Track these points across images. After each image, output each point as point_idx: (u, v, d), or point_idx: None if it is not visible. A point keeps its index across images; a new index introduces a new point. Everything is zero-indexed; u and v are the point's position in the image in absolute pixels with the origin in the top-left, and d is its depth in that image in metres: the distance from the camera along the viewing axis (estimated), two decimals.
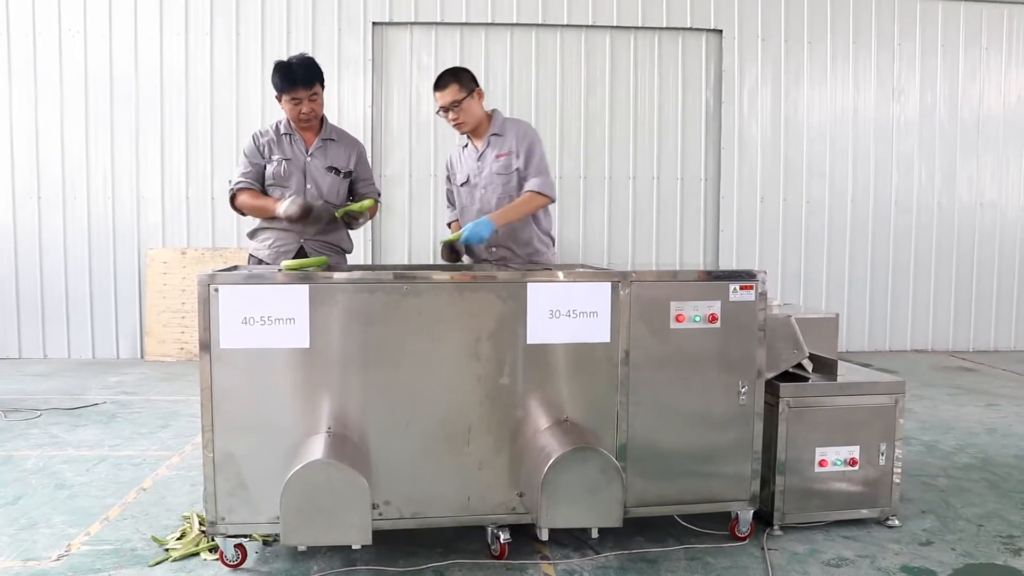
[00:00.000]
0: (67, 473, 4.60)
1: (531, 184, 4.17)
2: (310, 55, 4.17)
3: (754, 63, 8.89)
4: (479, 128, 4.29)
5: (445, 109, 4.20)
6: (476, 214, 4.23)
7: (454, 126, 4.27)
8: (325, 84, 4.23)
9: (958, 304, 9.29)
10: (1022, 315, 9.39)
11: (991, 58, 9.18)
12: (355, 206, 4.11)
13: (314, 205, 4.04)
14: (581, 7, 8.65)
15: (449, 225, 4.60)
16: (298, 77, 4.04)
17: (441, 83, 4.19)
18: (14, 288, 8.43)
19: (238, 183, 4.15)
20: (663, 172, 8.93)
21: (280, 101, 4.13)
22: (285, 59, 4.12)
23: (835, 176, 9.07)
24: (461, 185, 4.37)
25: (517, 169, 4.22)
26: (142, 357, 8.45)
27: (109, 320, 8.50)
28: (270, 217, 4.14)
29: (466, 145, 4.38)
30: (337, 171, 4.25)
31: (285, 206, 3.96)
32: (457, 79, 4.19)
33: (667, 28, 8.79)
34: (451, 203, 4.57)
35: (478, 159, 4.28)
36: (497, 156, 4.23)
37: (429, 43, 8.65)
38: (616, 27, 8.73)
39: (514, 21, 8.61)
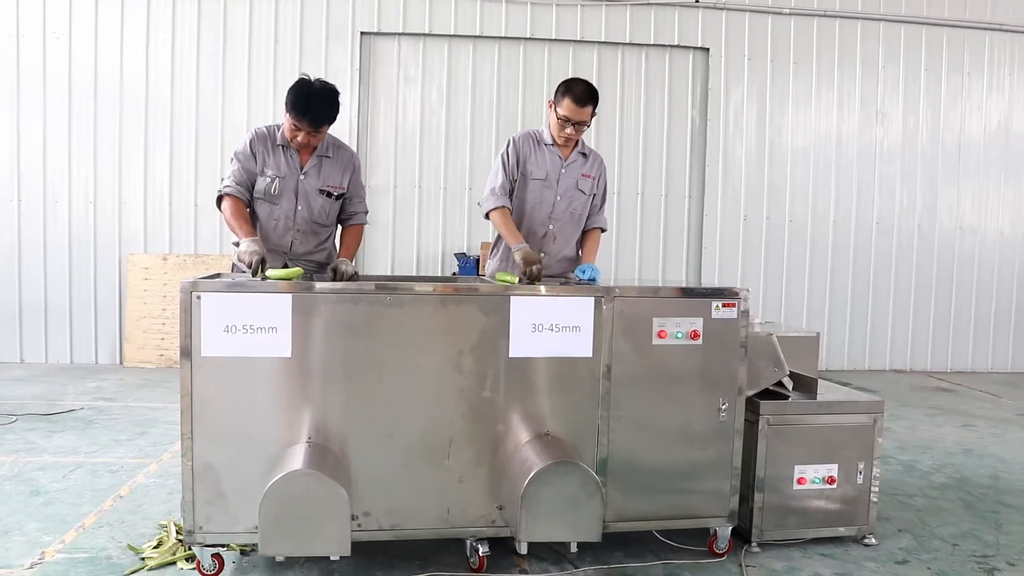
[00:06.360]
0: (42, 480, 4.55)
1: (602, 221, 4.46)
2: (336, 90, 3.89)
3: (740, 82, 8.97)
4: None
5: (571, 121, 4.11)
6: (544, 216, 4.25)
7: (564, 139, 4.21)
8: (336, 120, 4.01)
9: (937, 325, 9.39)
10: (999, 337, 9.50)
11: (972, 84, 9.31)
12: (281, 272, 3.44)
13: (266, 258, 3.62)
14: (569, 22, 8.71)
15: (491, 212, 4.25)
16: (308, 115, 3.81)
17: (584, 98, 4.07)
18: None
19: (226, 187, 3.97)
20: (647, 188, 8.98)
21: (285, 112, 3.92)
22: (312, 80, 3.86)
23: (818, 197, 9.15)
24: (535, 179, 4.25)
25: (594, 195, 4.37)
26: (121, 363, 8.38)
27: (88, 325, 8.43)
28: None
29: (549, 144, 4.28)
30: (329, 194, 4.08)
31: (243, 250, 3.64)
32: (596, 101, 4.13)
33: (654, 45, 8.86)
34: (496, 190, 4.26)
35: (563, 166, 4.27)
36: (584, 175, 4.31)
37: (417, 54, 8.68)
38: (603, 43, 8.80)
39: (502, 34, 8.66)
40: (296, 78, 3.89)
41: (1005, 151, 9.41)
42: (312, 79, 3.88)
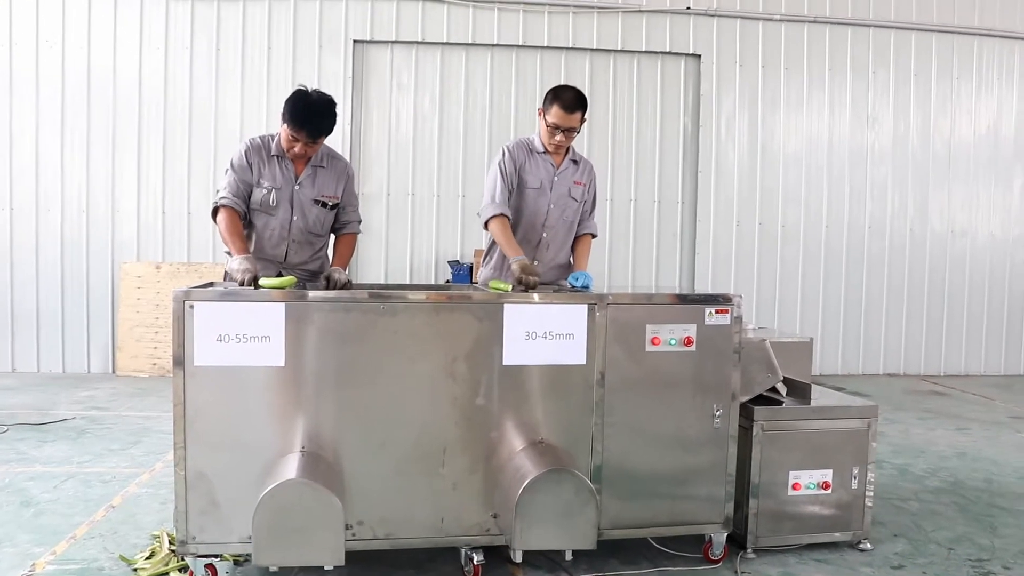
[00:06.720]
0: (34, 490, 4.52)
1: (592, 227, 4.45)
2: (333, 100, 3.89)
3: (731, 88, 9.00)
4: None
5: (560, 128, 4.09)
6: (538, 224, 4.24)
7: (555, 146, 4.18)
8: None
9: (929, 329, 9.41)
10: (992, 340, 9.53)
11: (962, 88, 9.35)
12: (274, 281, 3.49)
13: (259, 276, 3.58)
14: (561, 29, 8.73)
15: (490, 220, 4.17)
16: (307, 127, 3.79)
17: (573, 104, 4.06)
18: None
19: (222, 199, 3.93)
20: (640, 195, 8.99)
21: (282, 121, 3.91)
22: (309, 91, 3.84)
23: (810, 202, 9.18)
24: (531, 188, 4.23)
25: (584, 201, 4.36)
26: (114, 372, 8.34)
27: (80, 334, 8.39)
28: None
29: (541, 152, 4.26)
30: (324, 204, 4.06)
31: (236, 267, 3.60)
32: (584, 107, 4.13)
33: (646, 52, 8.88)
34: (496, 198, 4.20)
35: (556, 174, 4.26)
36: (575, 183, 4.30)
37: (409, 62, 8.68)
38: (595, 50, 8.81)
39: (495, 42, 8.67)
40: (289, 86, 3.88)
41: (994, 154, 9.46)
42: (309, 90, 3.86)
